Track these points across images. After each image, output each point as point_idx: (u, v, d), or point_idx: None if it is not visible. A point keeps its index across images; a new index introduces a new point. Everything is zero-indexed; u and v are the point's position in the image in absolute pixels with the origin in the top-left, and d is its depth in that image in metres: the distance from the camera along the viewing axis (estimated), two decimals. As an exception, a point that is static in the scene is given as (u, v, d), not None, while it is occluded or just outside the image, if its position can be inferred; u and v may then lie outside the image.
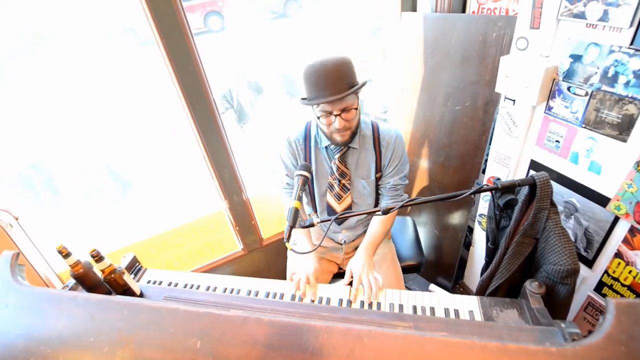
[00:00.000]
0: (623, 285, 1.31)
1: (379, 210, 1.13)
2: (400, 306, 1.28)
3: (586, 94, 1.20)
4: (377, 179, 1.48)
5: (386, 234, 1.54)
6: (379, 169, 1.46)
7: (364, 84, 1.29)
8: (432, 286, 2.28)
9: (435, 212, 2.15)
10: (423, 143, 2.02)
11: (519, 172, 1.57)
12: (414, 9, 1.85)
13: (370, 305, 1.29)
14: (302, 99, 1.33)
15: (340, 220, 1.56)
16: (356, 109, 1.30)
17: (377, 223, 1.51)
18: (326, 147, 1.44)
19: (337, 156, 1.42)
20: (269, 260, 2.20)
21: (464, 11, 1.70)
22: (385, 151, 1.43)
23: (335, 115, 1.27)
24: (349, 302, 1.30)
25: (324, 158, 1.47)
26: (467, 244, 2.12)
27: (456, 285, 2.28)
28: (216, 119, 1.65)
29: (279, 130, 3.83)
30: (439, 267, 2.26)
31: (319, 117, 1.31)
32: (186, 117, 1.61)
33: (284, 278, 1.48)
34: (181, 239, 1.99)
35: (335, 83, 1.22)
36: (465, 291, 2.24)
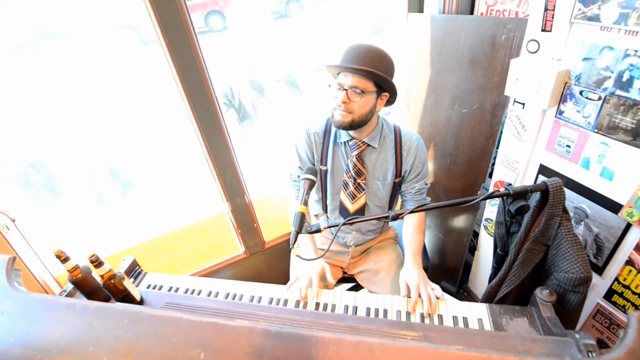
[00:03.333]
0: (634, 293, 1.29)
1: (388, 216, 1.10)
2: (407, 313, 1.25)
3: (599, 99, 1.17)
4: (396, 184, 1.45)
5: (423, 242, 1.52)
6: (398, 173, 1.43)
7: (388, 79, 1.26)
8: (435, 291, 2.24)
9: (440, 216, 2.12)
10: (428, 146, 1.99)
11: (528, 177, 1.55)
12: (420, 10, 1.82)
13: (377, 312, 1.26)
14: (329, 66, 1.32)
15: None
16: (363, 92, 1.24)
17: (413, 232, 1.47)
18: (345, 142, 1.41)
19: (354, 153, 1.39)
20: (270, 263, 2.17)
21: (472, 13, 1.67)
22: (407, 155, 1.41)
23: (344, 90, 1.25)
24: (355, 309, 1.28)
25: (342, 154, 1.43)
26: (472, 249, 2.10)
27: (460, 289, 2.25)
28: (219, 119, 1.62)
29: (281, 131, 3.80)
30: (443, 271, 2.23)
31: (329, 86, 1.31)
32: (188, 118, 1.58)
33: (287, 281, 1.45)
34: (182, 241, 1.96)
35: (362, 59, 1.22)
36: (470, 296, 2.21)
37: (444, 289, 2.23)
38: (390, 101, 1.38)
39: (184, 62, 1.43)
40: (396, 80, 1.33)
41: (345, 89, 1.25)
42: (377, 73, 1.22)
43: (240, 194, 1.84)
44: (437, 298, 1.29)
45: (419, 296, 1.28)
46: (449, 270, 2.18)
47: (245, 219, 1.93)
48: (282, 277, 2.21)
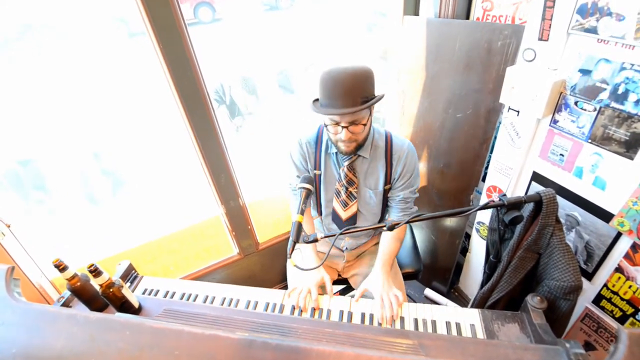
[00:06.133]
0: (622, 299, 1.33)
1: (384, 226, 1.12)
2: (402, 319, 1.28)
3: (594, 110, 1.19)
4: (386, 191, 1.46)
5: (399, 250, 1.53)
6: (388, 180, 1.43)
7: (379, 99, 1.24)
8: (427, 291, 2.29)
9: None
10: (422, 148, 2.00)
11: (521, 183, 1.57)
12: (416, 13, 1.82)
13: (371, 318, 1.28)
14: (314, 100, 1.29)
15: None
16: (365, 124, 1.26)
17: (390, 240, 1.48)
18: (336, 153, 1.41)
19: (346, 163, 1.39)
20: (265, 264, 2.18)
21: (468, 17, 1.67)
22: (396, 164, 1.40)
23: (343, 127, 1.23)
24: (350, 315, 1.30)
25: (333, 163, 1.44)
26: (463, 250, 2.13)
27: (451, 289, 2.30)
28: (213, 123, 1.60)
29: (274, 128, 3.78)
30: (435, 271, 2.27)
31: (326, 125, 1.28)
32: (181, 119, 1.56)
33: (280, 282, 1.46)
34: (177, 244, 1.96)
35: (348, 95, 1.18)
36: (460, 296, 2.26)
37: (436, 289, 2.28)
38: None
39: (174, 56, 1.39)
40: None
41: (345, 126, 1.23)
42: (370, 103, 1.21)
43: (235, 197, 1.84)
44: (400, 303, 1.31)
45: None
46: (440, 270, 2.22)
47: (239, 221, 1.94)
48: (276, 278, 2.24)
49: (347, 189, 1.44)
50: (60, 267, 1.10)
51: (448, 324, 1.25)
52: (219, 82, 3.78)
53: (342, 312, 1.31)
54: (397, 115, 2.10)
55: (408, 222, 1.11)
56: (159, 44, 1.35)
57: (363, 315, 1.30)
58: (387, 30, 2.02)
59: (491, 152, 1.68)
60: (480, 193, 1.85)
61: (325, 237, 1.14)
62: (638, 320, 1.32)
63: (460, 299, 2.25)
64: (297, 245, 1.15)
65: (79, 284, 1.14)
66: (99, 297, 1.17)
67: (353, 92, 1.18)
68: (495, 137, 1.63)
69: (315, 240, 1.14)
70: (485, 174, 1.75)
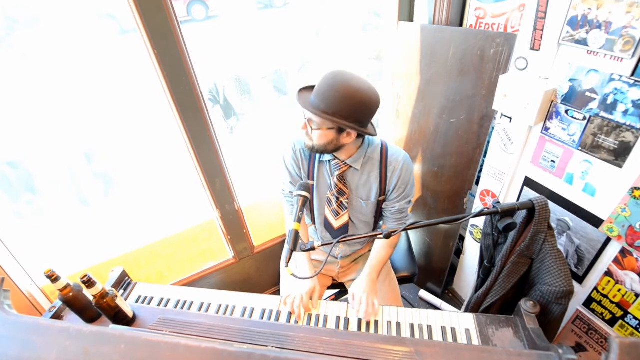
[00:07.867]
0: (612, 302, 1.36)
1: (381, 234, 1.12)
2: (398, 324, 1.29)
3: (584, 119, 1.21)
4: (380, 202, 1.45)
5: (390, 257, 1.52)
6: (382, 192, 1.42)
7: (345, 124, 1.19)
8: (422, 292, 2.31)
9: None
10: (416, 152, 2.02)
11: (513, 188, 1.59)
12: (411, 19, 1.83)
13: (367, 324, 1.29)
14: (303, 88, 1.30)
15: (337, 236, 1.54)
16: (321, 130, 1.23)
17: (381, 247, 1.47)
18: (328, 161, 1.39)
19: (337, 173, 1.38)
20: (260, 267, 2.18)
21: (461, 24, 1.69)
22: (391, 176, 1.38)
23: (305, 118, 1.26)
24: (347, 322, 1.30)
25: (326, 171, 1.42)
26: (457, 251, 2.16)
27: (445, 290, 2.32)
28: (208, 124, 1.59)
29: (269, 129, 3.76)
30: (429, 273, 2.29)
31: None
32: (176, 122, 1.54)
33: (275, 285, 1.45)
34: (172, 248, 1.94)
35: (324, 99, 1.17)
36: (455, 297, 2.28)
37: (430, 291, 2.30)
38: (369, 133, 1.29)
39: (167, 54, 1.36)
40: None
41: (306, 119, 1.25)
42: (328, 118, 1.18)
43: (230, 201, 1.83)
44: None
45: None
46: (435, 272, 2.24)
47: (234, 225, 1.93)
48: (271, 281, 2.24)
49: (338, 198, 1.43)
50: (53, 278, 1.08)
51: (444, 329, 1.26)
52: (212, 82, 3.74)
53: (338, 319, 1.31)
54: (391, 117, 2.11)
55: (404, 229, 1.12)
56: (151, 42, 1.32)
57: (360, 321, 1.30)
58: (382, 31, 2.02)
59: (484, 157, 1.70)
60: (474, 196, 1.87)
61: (322, 245, 1.14)
62: (627, 323, 1.35)
63: (455, 300, 2.27)
64: (293, 254, 1.14)
65: (71, 294, 1.12)
66: (92, 307, 1.15)
67: (329, 99, 1.17)
68: (489, 143, 1.65)
69: (312, 249, 1.14)
70: (479, 177, 1.77)
